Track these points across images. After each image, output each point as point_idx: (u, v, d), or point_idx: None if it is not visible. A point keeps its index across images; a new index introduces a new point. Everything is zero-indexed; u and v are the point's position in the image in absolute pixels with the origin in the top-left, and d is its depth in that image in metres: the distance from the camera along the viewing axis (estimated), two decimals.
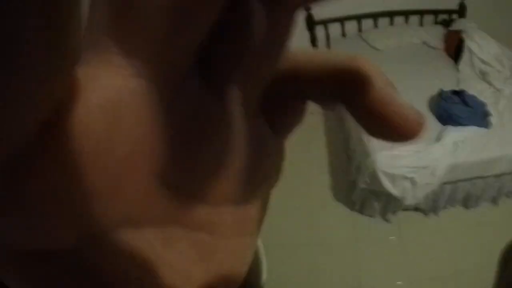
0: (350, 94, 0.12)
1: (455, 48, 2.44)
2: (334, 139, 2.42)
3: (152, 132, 0.09)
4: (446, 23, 2.66)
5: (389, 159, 1.76)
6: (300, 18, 2.59)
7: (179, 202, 0.11)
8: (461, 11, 2.67)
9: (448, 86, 2.12)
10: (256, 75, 0.11)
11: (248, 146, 0.12)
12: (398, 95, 0.12)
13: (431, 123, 1.95)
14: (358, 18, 2.65)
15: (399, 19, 2.70)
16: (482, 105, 2.00)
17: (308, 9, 2.58)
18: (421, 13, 2.68)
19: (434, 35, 2.60)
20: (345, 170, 2.16)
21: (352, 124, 2.07)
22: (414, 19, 2.71)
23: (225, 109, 0.11)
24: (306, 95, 0.13)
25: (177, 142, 0.10)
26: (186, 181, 0.11)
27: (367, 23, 2.69)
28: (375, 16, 2.66)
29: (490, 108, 2.00)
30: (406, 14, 2.68)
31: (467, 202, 1.99)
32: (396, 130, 0.12)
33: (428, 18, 2.72)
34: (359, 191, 1.93)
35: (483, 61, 2.31)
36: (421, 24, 2.72)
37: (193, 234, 0.12)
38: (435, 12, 2.70)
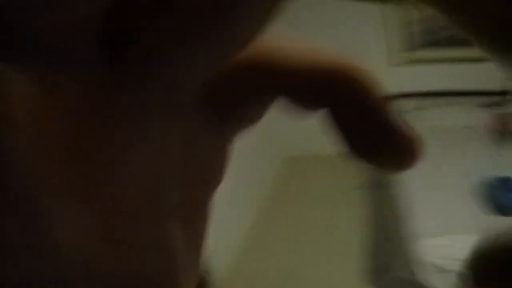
0: (337, 96, 0.10)
1: (498, 132, 2.38)
2: (374, 218, 2.31)
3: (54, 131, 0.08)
4: (489, 106, 2.61)
5: (430, 249, 1.66)
6: None
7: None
8: (504, 92, 2.60)
9: (492, 172, 2.03)
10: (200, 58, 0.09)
11: (173, 140, 0.10)
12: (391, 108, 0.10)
13: (475, 213, 1.85)
14: (398, 97, 2.63)
15: (440, 102, 2.67)
16: None
17: None
18: (463, 94, 2.64)
19: (476, 119, 2.55)
20: (378, 253, 2.05)
21: (396, 206, 2.01)
22: (455, 101, 2.67)
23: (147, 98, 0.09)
24: (277, 91, 0.11)
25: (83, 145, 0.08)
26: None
27: (409, 104, 2.66)
28: (417, 95, 2.64)
29: None
30: (447, 95, 2.64)
31: None
32: (391, 146, 0.10)
33: (470, 101, 2.67)
34: (390, 278, 1.82)
35: None
36: (462, 107, 2.67)
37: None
38: (477, 94, 2.64)
